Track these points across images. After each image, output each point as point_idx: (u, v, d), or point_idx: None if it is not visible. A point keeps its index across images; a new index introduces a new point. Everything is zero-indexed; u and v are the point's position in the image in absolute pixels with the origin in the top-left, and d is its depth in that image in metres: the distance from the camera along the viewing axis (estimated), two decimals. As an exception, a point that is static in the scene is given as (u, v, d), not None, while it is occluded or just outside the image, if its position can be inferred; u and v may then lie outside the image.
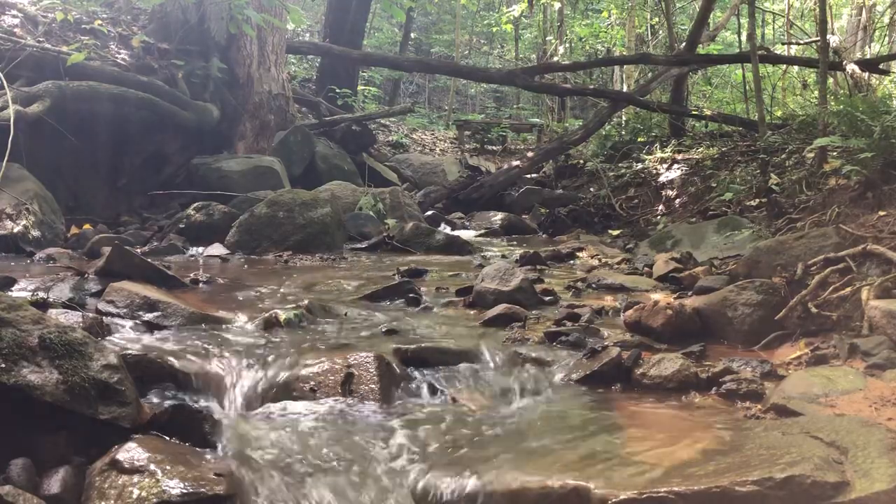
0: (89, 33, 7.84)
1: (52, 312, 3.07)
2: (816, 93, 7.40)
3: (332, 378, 2.81)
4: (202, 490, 1.96)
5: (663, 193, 8.86)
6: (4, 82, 6.24)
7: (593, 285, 4.83)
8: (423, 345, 3.24)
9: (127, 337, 3.20)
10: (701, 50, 11.65)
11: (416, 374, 3.04)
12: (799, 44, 14.00)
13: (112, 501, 1.94)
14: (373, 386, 2.80)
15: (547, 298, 4.30)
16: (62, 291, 3.74)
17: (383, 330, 3.50)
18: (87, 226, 6.41)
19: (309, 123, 10.64)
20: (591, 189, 10.14)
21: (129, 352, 2.70)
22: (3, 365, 2.13)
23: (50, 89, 6.59)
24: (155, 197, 7.85)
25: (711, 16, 12.25)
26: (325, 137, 10.53)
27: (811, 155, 6.27)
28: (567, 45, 18.46)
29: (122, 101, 7.30)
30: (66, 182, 7.13)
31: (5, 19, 7.46)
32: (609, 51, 17.32)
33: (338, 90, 12.55)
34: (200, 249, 6.04)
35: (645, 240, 7.26)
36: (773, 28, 17.84)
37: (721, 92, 15.15)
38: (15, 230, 5.43)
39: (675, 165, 9.20)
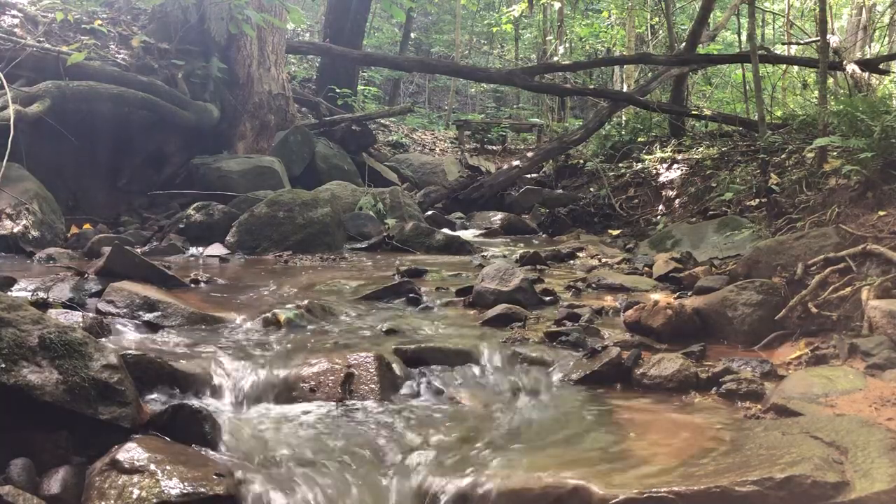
0: (89, 33, 7.83)
1: (52, 312, 3.07)
2: (816, 93, 7.40)
3: (332, 378, 2.81)
4: (202, 490, 1.96)
5: (663, 193, 8.86)
6: (4, 82, 6.24)
7: (593, 285, 4.83)
8: (423, 345, 3.24)
9: (127, 337, 3.20)
10: (701, 50, 11.64)
11: (416, 374, 3.04)
12: (799, 44, 14.01)
13: (112, 501, 1.94)
14: (373, 386, 2.80)
15: (547, 298, 4.30)
16: (62, 291, 3.74)
17: (383, 330, 3.50)
18: (87, 226, 6.41)
19: (309, 123, 10.63)
20: (591, 189, 10.14)
21: (129, 352, 2.70)
22: (3, 365, 2.13)
23: (50, 89, 6.58)
24: (155, 197, 7.84)
25: (711, 16, 12.25)
26: (325, 137, 10.52)
27: (811, 155, 6.27)
28: (567, 45, 18.45)
29: (122, 101, 7.30)
30: (66, 182, 7.13)
31: (5, 19, 7.45)
32: (609, 51, 17.32)
33: (338, 90, 12.54)
34: (200, 249, 6.03)
35: (645, 240, 7.27)
36: (773, 28, 17.84)
37: (721, 92, 15.15)
38: (15, 230, 5.43)
39: (675, 165, 9.20)
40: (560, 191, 10.82)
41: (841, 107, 5.08)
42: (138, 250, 5.21)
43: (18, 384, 2.12)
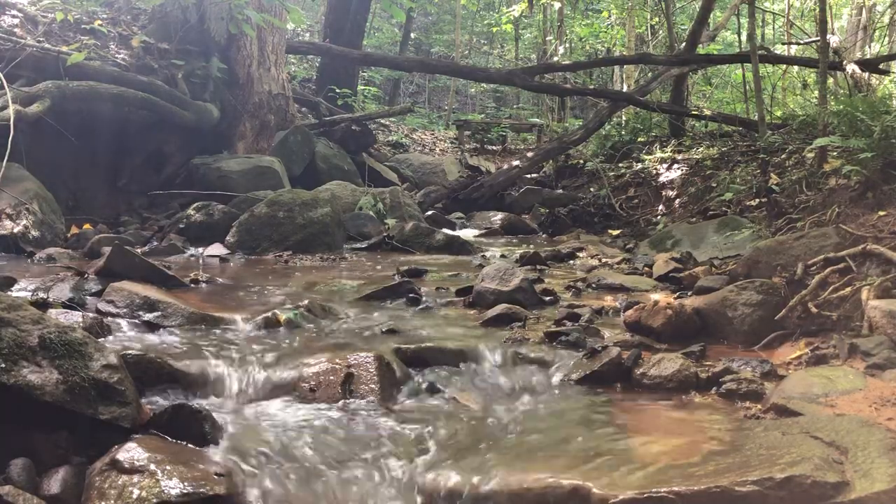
0: (89, 33, 7.83)
1: (52, 312, 3.08)
2: (816, 93, 7.40)
3: (332, 378, 2.81)
4: (202, 490, 1.96)
5: (663, 193, 8.85)
6: (4, 82, 6.24)
7: (593, 285, 4.83)
8: (423, 345, 3.24)
9: (127, 337, 3.20)
10: (701, 50, 11.64)
11: (417, 374, 3.04)
12: (799, 44, 14.01)
13: (112, 501, 1.94)
14: (373, 386, 2.80)
15: (547, 298, 4.29)
16: (62, 291, 3.74)
17: (383, 330, 3.50)
18: (87, 226, 6.41)
19: (309, 123, 10.63)
20: (591, 189, 10.13)
21: (129, 352, 2.70)
22: (3, 365, 2.13)
23: (50, 89, 6.58)
24: (155, 197, 7.84)
25: (711, 16, 12.25)
26: (325, 137, 10.52)
27: (811, 155, 6.27)
28: (567, 45, 18.45)
29: (122, 101, 7.30)
30: (66, 182, 7.13)
31: (5, 19, 7.45)
32: (609, 51, 17.32)
33: (338, 90, 12.54)
34: (200, 249, 6.03)
35: (645, 240, 7.26)
36: (773, 28, 17.84)
37: (721, 92, 15.15)
38: (15, 230, 5.42)
39: (675, 165, 9.20)
40: (560, 191, 10.81)
41: (841, 107, 5.08)
42: (138, 250, 5.20)
43: (18, 384, 2.13)
